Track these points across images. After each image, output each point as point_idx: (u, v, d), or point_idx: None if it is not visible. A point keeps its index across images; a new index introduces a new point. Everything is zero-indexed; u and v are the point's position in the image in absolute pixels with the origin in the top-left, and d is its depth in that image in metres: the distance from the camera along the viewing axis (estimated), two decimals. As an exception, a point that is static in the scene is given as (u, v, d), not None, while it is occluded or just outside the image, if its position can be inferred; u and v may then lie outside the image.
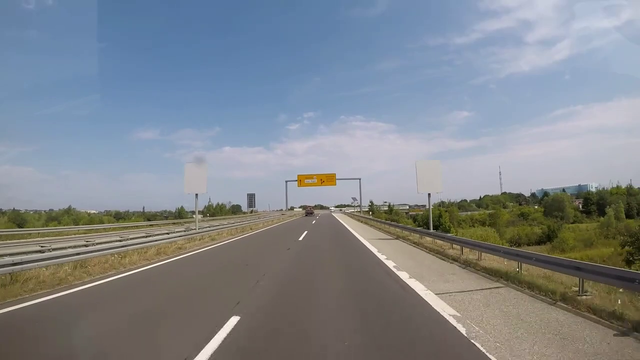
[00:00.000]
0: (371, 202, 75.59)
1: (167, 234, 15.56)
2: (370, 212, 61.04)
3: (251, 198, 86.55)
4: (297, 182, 56.25)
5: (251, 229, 24.88)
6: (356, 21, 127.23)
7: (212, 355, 3.29)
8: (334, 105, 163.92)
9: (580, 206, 75.18)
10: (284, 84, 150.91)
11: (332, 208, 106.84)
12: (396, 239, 15.80)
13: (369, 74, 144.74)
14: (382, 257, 9.90)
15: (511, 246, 22.62)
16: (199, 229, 16.98)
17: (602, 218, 55.56)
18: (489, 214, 67.64)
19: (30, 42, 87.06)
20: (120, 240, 12.51)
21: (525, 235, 48.75)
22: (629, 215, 57.90)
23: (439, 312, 4.63)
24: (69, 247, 10.26)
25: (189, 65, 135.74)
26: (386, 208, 78.98)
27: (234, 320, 4.28)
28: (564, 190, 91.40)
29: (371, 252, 11.39)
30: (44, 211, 61.12)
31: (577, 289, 5.11)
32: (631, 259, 24.65)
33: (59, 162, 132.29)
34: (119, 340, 3.83)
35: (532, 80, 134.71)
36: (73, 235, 20.65)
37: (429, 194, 14.68)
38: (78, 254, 8.25)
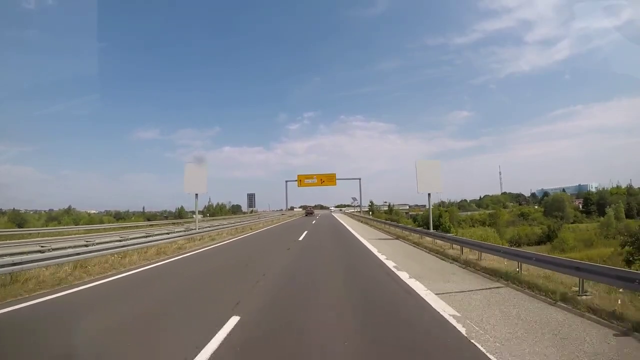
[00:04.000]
0: (371, 202, 75.50)
1: (167, 234, 15.56)
2: (370, 212, 60.99)
3: (251, 198, 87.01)
4: (297, 182, 56.00)
5: (251, 229, 24.89)
6: (356, 21, 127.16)
7: (212, 355, 3.29)
8: (333, 105, 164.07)
9: (580, 206, 75.03)
10: (284, 84, 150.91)
11: (332, 208, 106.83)
12: (396, 239, 15.79)
13: (369, 74, 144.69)
14: (382, 257, 9.89)
15: (511, 246, 22.62)
16: (199, 229, 17.00)
17: (602, 218, 55.40)
18: (489, 214, 67.61)
19: (30, 42, 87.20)
20: (120, 240, 12.50)
21: (525, 235, 48.70)
22: (629, 215, 57.76)
23: (439, 312, 4.63)
24: (69, 247, 10.24)
25: (189, 65, 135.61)
26: (386, 208, 78.95)
27: (233, 320, 4.28)
28: (564, 190, 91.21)
29: (371, 252, 11.38)
30: (44, 211, 61.01)
31: (577, 289, 5.10)
32: (631, 259, 24.58)
33: (59, 162, 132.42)
34: (118, 340, 3.83)
35: (532, 80, 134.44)
36: (73, 235, 20.61)
37: (429, 194, 14.71)
38: (78, 254, 8.26)
